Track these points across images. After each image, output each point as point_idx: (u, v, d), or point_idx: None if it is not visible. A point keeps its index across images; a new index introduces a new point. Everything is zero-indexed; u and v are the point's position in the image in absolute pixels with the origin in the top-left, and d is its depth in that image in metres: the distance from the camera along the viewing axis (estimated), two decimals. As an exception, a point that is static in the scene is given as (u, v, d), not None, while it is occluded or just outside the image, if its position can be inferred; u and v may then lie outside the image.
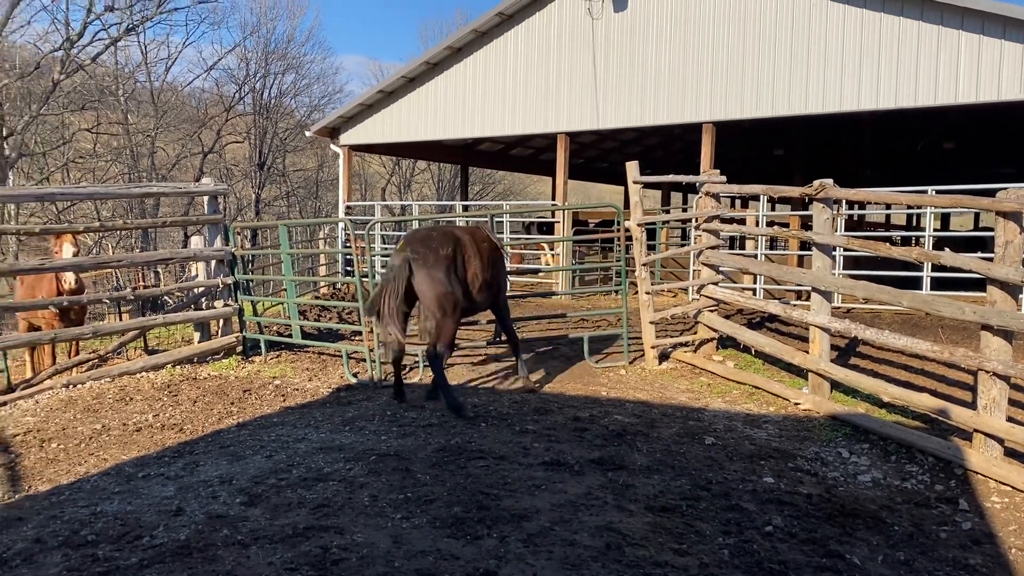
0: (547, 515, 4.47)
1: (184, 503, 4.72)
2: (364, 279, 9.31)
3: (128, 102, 35.54)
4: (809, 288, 7.70)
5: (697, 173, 12.25)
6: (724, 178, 9.39)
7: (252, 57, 41.91)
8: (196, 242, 10.71)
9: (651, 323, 9.35)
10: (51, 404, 7.94)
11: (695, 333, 9.69)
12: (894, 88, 12.54)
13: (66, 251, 9.06)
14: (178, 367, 9.28)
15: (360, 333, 9.00)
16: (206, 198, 10.28)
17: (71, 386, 8.50)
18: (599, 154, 25.46)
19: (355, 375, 8.99)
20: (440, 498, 4.70)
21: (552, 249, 16.78)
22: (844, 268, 13.00)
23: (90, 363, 9.52)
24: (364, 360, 9.24)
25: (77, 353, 10.05)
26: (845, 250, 12.07)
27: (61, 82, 29.79)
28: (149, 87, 37.88)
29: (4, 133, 28.35)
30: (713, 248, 9.35)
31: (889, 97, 12.58)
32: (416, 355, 9.06)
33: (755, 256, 13.52)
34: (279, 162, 43.63)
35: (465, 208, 21.03)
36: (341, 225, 17.43)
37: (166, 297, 16.64)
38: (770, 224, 14.81)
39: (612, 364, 9.32)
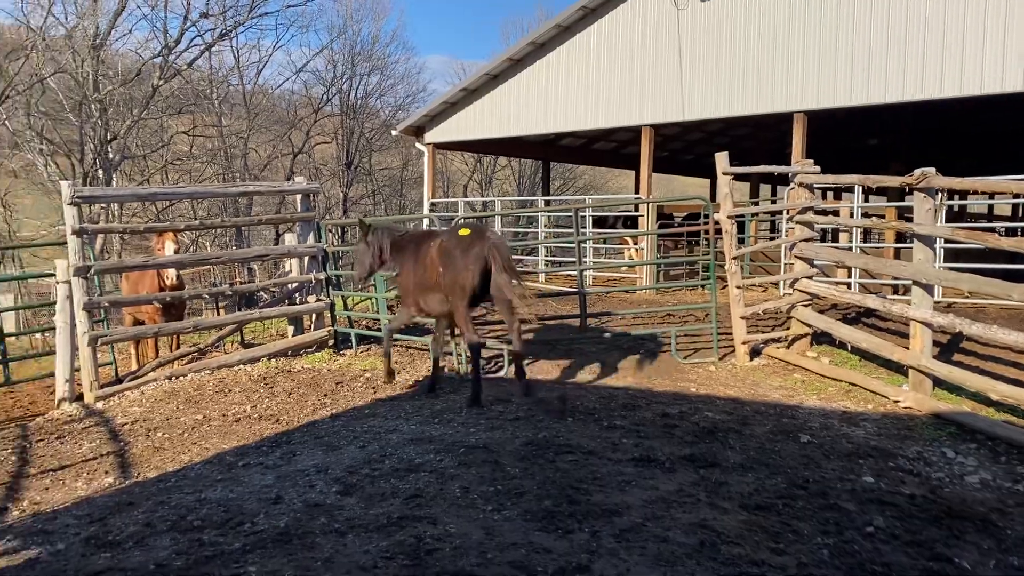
0: (638, 511, 4.43)
1: (283, 491, 4.87)
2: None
3: (222, 105, 36.93)
4: (909, 282, 7.39)
5: (787, 163, 11.92)
6: (818, 168, 9.10)
7: (339, 59, 43.01)
8: (289, 239, 11.04)
9: (742, 318, 9.15)
10: (155, 395, 8.33)
11: (787, 329, 9.44)
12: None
13: (168, 249, 9.48)
14: (273, 360, 9.59)
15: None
16: (299, 196, 10.59)
17: (174, 378, 8.89)
18: (684, 146, 25.06)
19: (441, 368, 9.09)
20: (530, 491, 4.71)
21: (636, 244, 16.61)
22: (944, 261, 12.43)
23: (191, 356, 9.94)
24: (450, 354, 9.34)
25: (178, 347, 10.53)
26: (946, 242, 11.54)
27: (160, 87, 31.18)
28: (242, 90, 39.27)
29: (108, 137, 29.85)
30: (807, 241, 9.08)
31: (1019, 78, 11.81)
32: (500, 349, 9.10)
33: (850, 249, 13.06)
34: (365, 161, 44.59)
35: (547, 203, 21.02)
36: (426, 221, 17.62)
37: (261, 292, 17.23)
38: (865, 215, 14.28)
39: (701, 360, 9.17)
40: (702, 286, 13.44)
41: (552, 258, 18.61)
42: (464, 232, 7.55)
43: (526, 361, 9.32)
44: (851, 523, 4.41)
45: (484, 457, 5.40)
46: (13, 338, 11.52)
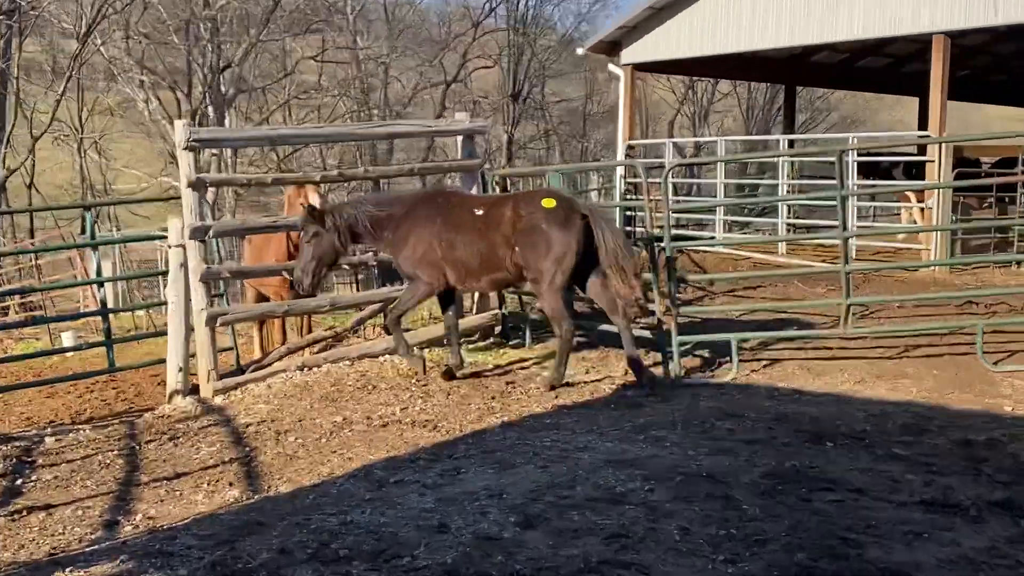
0: (933, 575, 4.28)
1: (447, 518, 5.08)
2: (657, 243, 9.40)
3: (357, 21, 38.54)
4: None
5: None
6: None
7: (506, -48, 43.61)
8: (446, 194, 11.42)
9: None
10: (284, 390, 8.91)
11: None
12: None
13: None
14: (426, 350, 9.98)
15: (652, 313, 9.13)
16: (459, 139, 10.90)
17: (306, 369, 9.46)
18: (991, 63, 23.65)
19: (648, 369, 9.13)
20: (776, 539, 4.65)
21: (920, 201, 15.84)
22: None
23: (325, 342, 10.53)
24: (657, 349, 9.36)
25: (309, 330, 11.17)
26: None
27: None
28: (382, 2, 40.81)
29: (220, 65, 31.93)
30: None
31: None
32: (734, 343, 9.01)
33: None
34: (536, 91, 45.07)
35: (791, 144, 20.46)
36: (619, 171, 17.70)
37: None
38: None
39: (1020, 367, 8.69)
40: (1019, 263, 12.65)
41: (796, 220, 18.10)
42: (550, 203, 8.23)
43: (763, 362, 9.22)
44: None
45: (710, 489, 5.38)
46: (112, 315, 12.65)
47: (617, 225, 8.55)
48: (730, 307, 11.75)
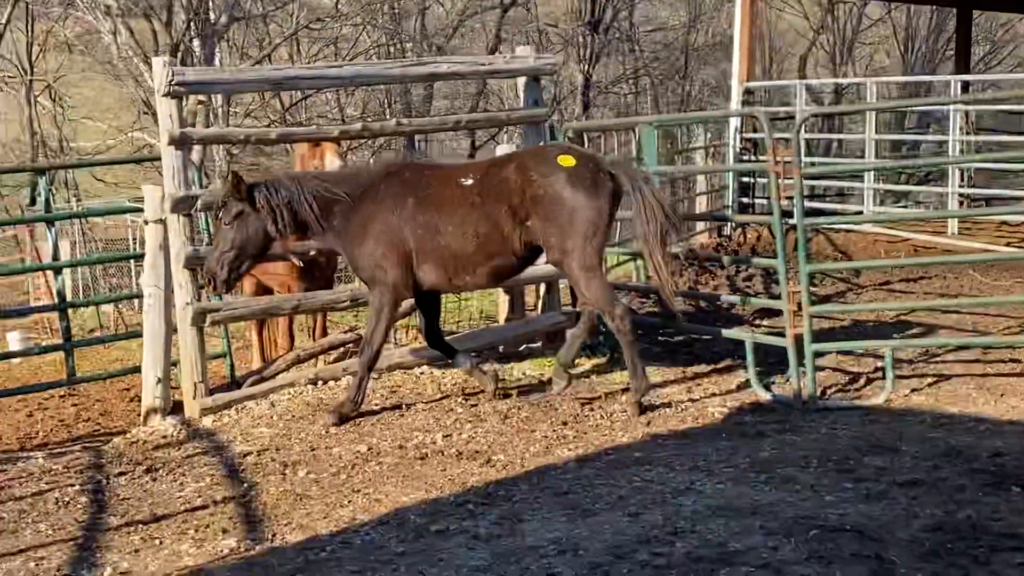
0: None
1: (504, 580, 5.12)
2: (786, 219, 9.31)
3: (387, -75, 38.56)
4: None
5: None
6: None
7: None
8: (502, 154, 11.41)
9: None
10: (292, 409, 8.99)
11: None
12: None
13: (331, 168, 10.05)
14: (495, 365, 9.99)
15: (778, 313, 9.06)
16: (520, 80, 10.88)
17: (319, 383, 9.53)
18: None
19: (768, 386, 9.08)
20: (944, 616, 4.61)
21: None
22: None
23: (344, 349, 10.59)
24: (783, 361, 9.29)
25: (323, 332, 11.24)
26: None
27: None
28: (420, -101, 40.82)
29: (213, -13, 32.16)
30: None
31: None
32: (888, 354, 8.91)
33: None
34: (622, 18, 44.70)
35: (965, 88, 20.14)
36: (733, 123, 17.58)
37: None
38: None
39: None
40: None
41: (973, 190, 17.78)
42: (568, 160, 8.29)
43: (927, 379, 9.11)
44: None
45: (855, 547, 5.34)
46: (72, 311, 12.76)
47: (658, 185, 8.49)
48: (883, 306, 11.65)
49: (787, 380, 9.14)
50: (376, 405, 8.95)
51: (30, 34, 36.81)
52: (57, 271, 11.93)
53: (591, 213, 8.18)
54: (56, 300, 11.84)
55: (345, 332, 10.83)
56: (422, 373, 9.79)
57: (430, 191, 8.56)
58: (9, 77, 37.31)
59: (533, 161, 8.45)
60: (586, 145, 16.29)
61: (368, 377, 8.73)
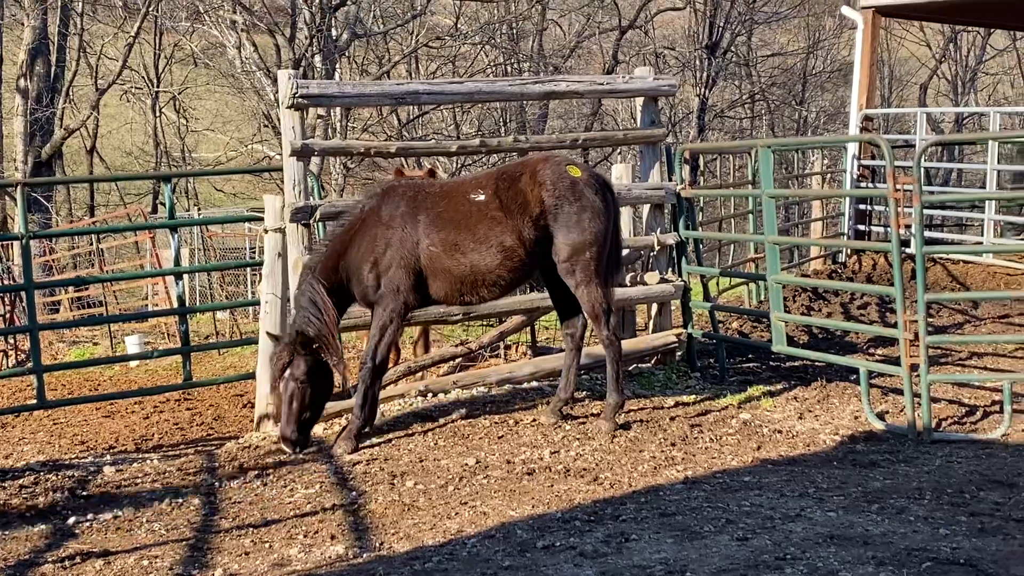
0: None
1: (609, 598, 5.10)
2: (904, 247, 9.18)
3: (507, -54, 38.85)
4: None
5: None
6: None
7: None
8: (619, 173, 11.41)
9: None
10: (402, 420, 9.08)
11: None
12: None
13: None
14: (585, 376, 10.01)
15: (893, 342, 8.92)
16: (637, 102, 10.89)
17: (429, 395, 9.62)
18: None
19: (881, 416, 8.97)
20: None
21: None
22: None
23: (454, 362, 10.68)
24: (897, 391, 9.17)
25: (427, 345, 11.34)
26: None
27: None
28: (541, -79, 41.05)
29: (333, 3, 32.60)
30: None
31: None
32: (1007, 387, 8.74)
33: None
34: (740, 42, 44.50)
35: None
36: (851, 149, 17.37)
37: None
38: None
39: None
40: None
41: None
42: (577, 171, 8.55)
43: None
44: None
45: (971, 583, 5.25)
46: (190, 316, 13.08)
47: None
48: (1001, 338, 11.43)
49: (901, 410, 9.03)
50: (484, 421, 9.00)
51: (157, 47, 37.61)
52: (178, 277, 12.08)
53: (601, 222, 8.44)
54: (176, 305, 12.07)
55: (456, 346, 10.89)
56: (531, 388, 9.83)
57: (441, 209, 8.55)
58: (136, 88, 38.11)
59: (543, 170, 8.53)
60: (702, 165, 16.23)
61: (372, 391, 8.63)
